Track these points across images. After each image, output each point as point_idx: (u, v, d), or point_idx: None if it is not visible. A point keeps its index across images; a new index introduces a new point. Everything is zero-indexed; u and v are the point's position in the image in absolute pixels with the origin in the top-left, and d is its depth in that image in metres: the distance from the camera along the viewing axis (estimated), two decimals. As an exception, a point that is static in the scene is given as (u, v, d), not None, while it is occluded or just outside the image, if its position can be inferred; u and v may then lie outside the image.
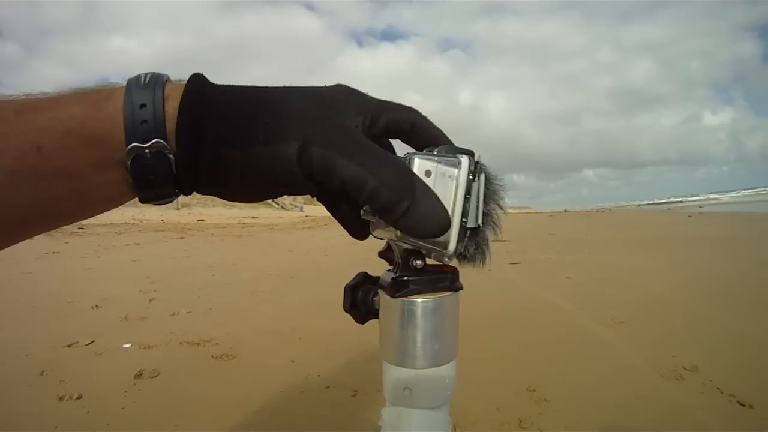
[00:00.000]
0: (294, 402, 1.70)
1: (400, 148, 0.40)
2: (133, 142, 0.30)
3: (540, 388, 1.72)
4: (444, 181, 0.35)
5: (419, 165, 0.34)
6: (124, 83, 0.33)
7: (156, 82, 0.32)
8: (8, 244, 0.34)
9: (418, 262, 0.37)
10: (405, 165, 0.34)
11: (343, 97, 0.35)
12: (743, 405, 1.56)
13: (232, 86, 0.34)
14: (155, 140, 0.31)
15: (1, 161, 0.29)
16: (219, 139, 0.32)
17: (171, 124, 0.31)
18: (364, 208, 0.36)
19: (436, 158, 0.35)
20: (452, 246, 0.36)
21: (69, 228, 11.24)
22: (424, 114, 0.39)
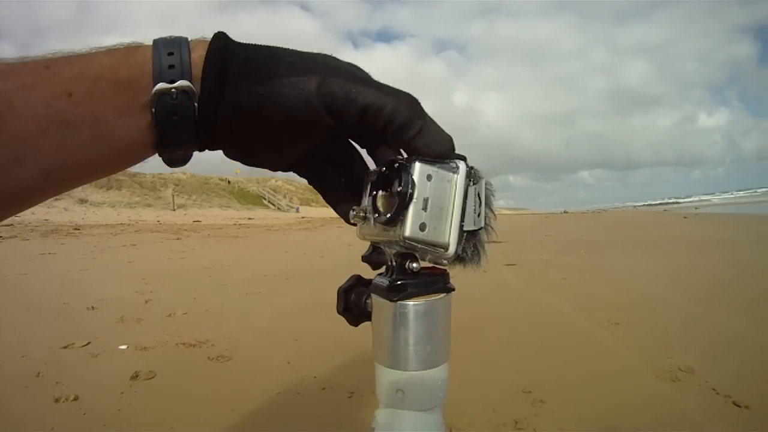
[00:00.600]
0: (290, 403, 1.70)
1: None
2: (160, 82, 0.33)
3: (536, 390, 1.72)
4: (443, 185, 0.36)
5: (420, 169, 0.35)
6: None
7: (181, 38, 0.35)
8: (26, 205, 0.35)
9: (414, 265, 0.38)
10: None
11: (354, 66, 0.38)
12: (739, 406, 1.57)
13: (255, 44, 0.36)
14: (181, 81, 0.33)
15: (30, 109, 0.31)
16: (242, 75, 0.34)
17: (197, 69, 0.34)
18: (352, 214, 0.38)
19: (436, 162, 0.36)
20: (452, 248, 0.36)
21: (65, 229, 11.23)
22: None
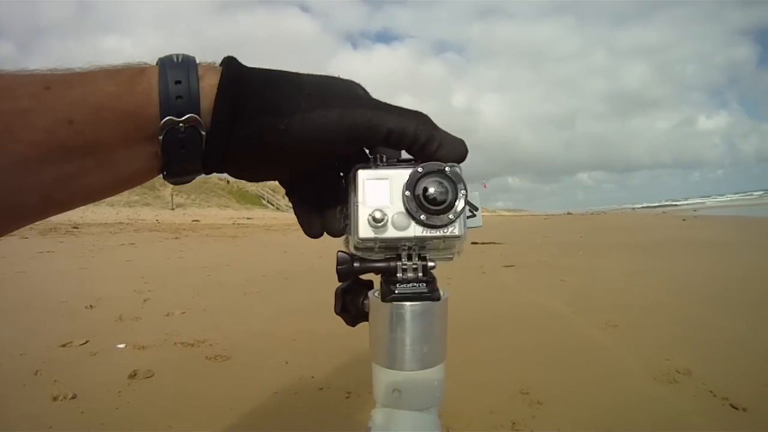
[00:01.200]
0: (287, 403, 1.70)
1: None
2: (167, 116, 0.31)
3: (533, 391, 1.73)
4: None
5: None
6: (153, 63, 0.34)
7: (189, 62, 0.33)
8: (26, 223, 0.34)
9: (432, 263, 0.40)
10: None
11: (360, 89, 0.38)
12: (736, 408, 1.57)
13: (266, 69, 0.36)
14: (190, 114, 0.32)
15: (31, 135, 0.30)
16: (260, 109, 0.33)
17: (206, 101, 0.32)
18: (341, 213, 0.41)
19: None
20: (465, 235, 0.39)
21: (64, 227, 11.21)
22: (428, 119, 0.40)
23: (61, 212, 0.35)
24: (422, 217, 0.37)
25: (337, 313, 0.43)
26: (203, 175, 0.37)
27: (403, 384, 0.37)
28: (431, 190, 0.37)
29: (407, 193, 0.37)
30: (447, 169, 0.38)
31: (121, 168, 0.33)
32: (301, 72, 0.37)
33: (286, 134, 0.34)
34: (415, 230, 0.38)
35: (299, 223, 0.44)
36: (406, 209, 0.37)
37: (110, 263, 5.70)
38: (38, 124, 0.30)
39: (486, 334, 2.48)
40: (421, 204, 0.37)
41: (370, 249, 0.40)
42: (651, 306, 3.02)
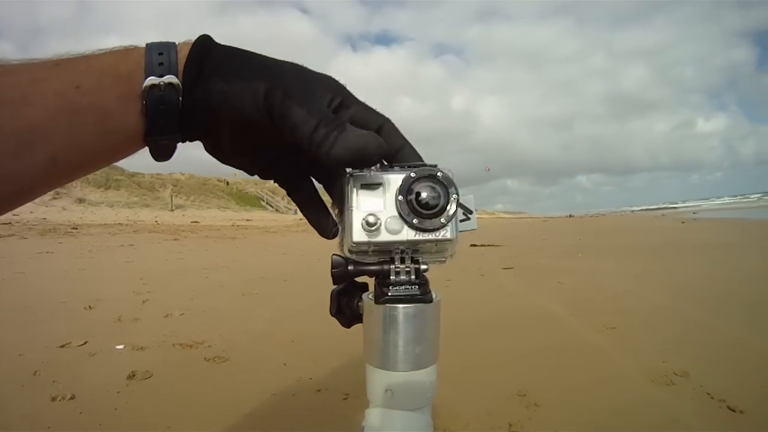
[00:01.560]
0: (285, 405, 1.70)
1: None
2: (150, 76, 0.37)
3: (530, 393, 1.73)
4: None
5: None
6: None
7: (170, 43, 0.40)
8: (32, 194, 0.39)
9: (425, 266, 0.40)
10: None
11: (324, 77, 0.42)
12: (734, 410, 1.57)
13: (233, 46, 0.41)
14: (169, 76, 0.38)
15: (42, 99, 0.36)
16: (213, 73, 0.39)
17: (181, 67, 0.39)
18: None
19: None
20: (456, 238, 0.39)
21: (63, 228, 11.21)
22: (396, 125, 0.43)
23: (63, 182, 0.41)
24: (414, 221, 0.38)
25: (332, 315, 0.44)
26: (181, 143, 0.42)
27: (396, 384, 0.38)
28: (423, 194, 0.38)
29: (400, 197, 0.38)
30: (439, 174, 0.38)
31: (116, 126, 0.38)
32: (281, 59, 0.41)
33: (225, 96, 0.38)
34: (407, 234, 0.38)
35: (311, 225, 0.47)
36: (399, 213, 0.38)
37: (109, 264, 5.70)
38: (49, 90, 0.36)
39: (483, 336, 2.49)
40: (414, 208, 0.38)
41: (364, 252, 0.41)
42: (649, 308, 3.03)
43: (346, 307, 0.43)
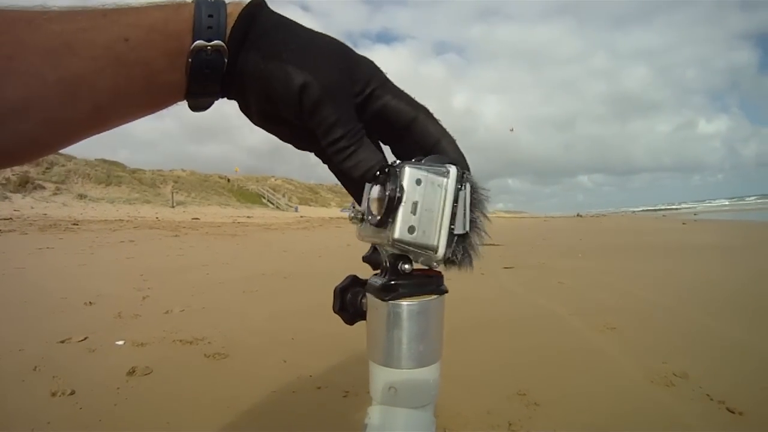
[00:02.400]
0: (285, 402, 1.70)
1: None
2: (199, 40, 0.38)
3: (530, 392, 1.73)
4: (433, 189, 0.37)
5: (410, 174, 0.36)
6: None
7: (220, 2, 0.40)
8: (74, 140, 0.40)
9: (406, 266, 0.39)
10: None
11: (363, 61, 0.42)
12: (733, 412, 1.57)
13: (283, 16, 0.41)
14: (217, 41, 0.38)
15: (89, 50, 0.36)
16: (254, 46, 0.40)
17: (229, 31, 0.39)
18: (350, 215, 0.41)
19: (425, 167, 0.37)
20: (441, 251, 0.38)
21: (63, 224, 11.22)
22: (433, 114, 0.43)
23: (103, 130, 0.41)
24: (368, 217, 0.38)
25: (335, 312, 0.44)
26: (220, 100, 0.43)
27: (400, 382, 0.38)
28: (372, 192, 0.39)
29: (368, 195, 0.39)
30: (387, 168, 0.38)
31: (161, 81, 0.39)
32: (315, 30, 0.42)
33: (260, 75, 0.40)
34: (372, 231, 0.39)
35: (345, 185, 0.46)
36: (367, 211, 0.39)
37: (110, 260, 5.70)
38: (97, 41, 0.36)
39: (483, 335, 2.48)
40: (369, 205, 0.39)
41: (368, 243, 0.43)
42: (649, 309, 3.03)
43: (349, 303, 0.43)
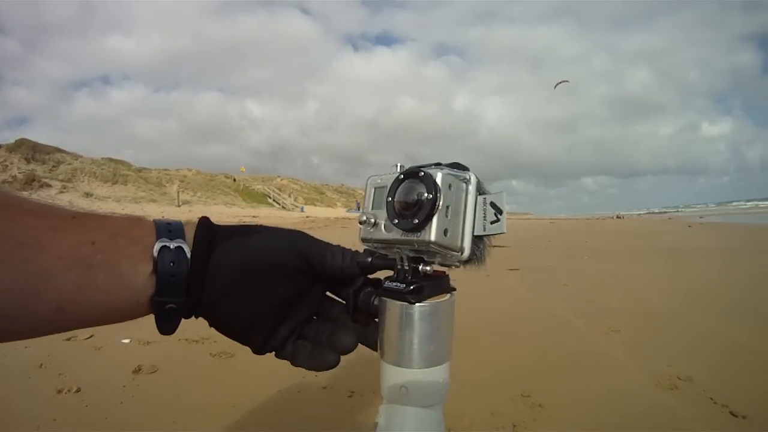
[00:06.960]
0: (291, 402, 1.71)
1: (429, 158, 0.42)
2: (162, 238, 0.41)
3: (534, 394, 1.73)
4: (459, 193, 0.39)
5: (443, 178, 0.38)
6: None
7: (178, 223, 0.44)
8: (32, 336, 0.39)
9: (427, 268, 0.41)
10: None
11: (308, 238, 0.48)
12: (736, 416, 1.57)
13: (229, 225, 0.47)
14: (178, 239, 0.41)
15: (57, 249, 0.36)
16: (229, 235, 0.44)
17: (189, 235, 0.42)
18: (361, 218, 0.43)
19: (453, 173, 0.38)
20: (467, 252, 0.39)
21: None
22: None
23: (64, 331, 0.41)
24: (395, 221, 0.39)
25: (348, 314, 0.45)
26: (185, 318, 0.46)
27: (410, 381, 0.39)
28: (398, 195, 0.39)
29: (389, 198, 0.39)
30: (421, 173, 0.39)
31: (125, 284, 0.40)
32: None
33: (248, 246, 0.44)
34: (395, 234, 0.40)
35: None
36: (388, 214, 0.40)
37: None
38: (65, 242, 0.37)
39: (488, 336, 2.49)
40: (393, 208, 0.39)
41: (374, 247, 0.44)
42: (654, 312, 3.02)
43: (362, 304, 0.43)
